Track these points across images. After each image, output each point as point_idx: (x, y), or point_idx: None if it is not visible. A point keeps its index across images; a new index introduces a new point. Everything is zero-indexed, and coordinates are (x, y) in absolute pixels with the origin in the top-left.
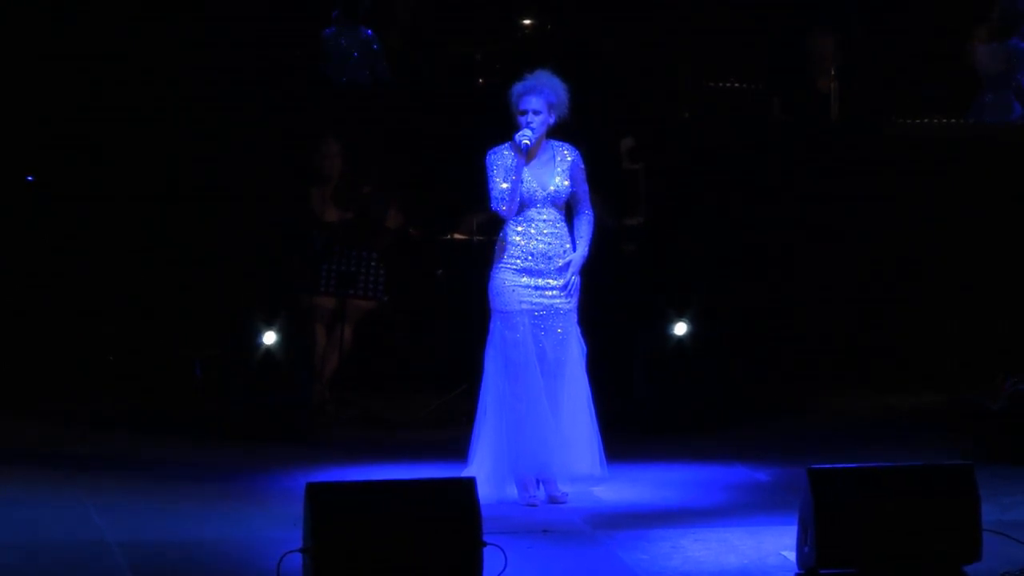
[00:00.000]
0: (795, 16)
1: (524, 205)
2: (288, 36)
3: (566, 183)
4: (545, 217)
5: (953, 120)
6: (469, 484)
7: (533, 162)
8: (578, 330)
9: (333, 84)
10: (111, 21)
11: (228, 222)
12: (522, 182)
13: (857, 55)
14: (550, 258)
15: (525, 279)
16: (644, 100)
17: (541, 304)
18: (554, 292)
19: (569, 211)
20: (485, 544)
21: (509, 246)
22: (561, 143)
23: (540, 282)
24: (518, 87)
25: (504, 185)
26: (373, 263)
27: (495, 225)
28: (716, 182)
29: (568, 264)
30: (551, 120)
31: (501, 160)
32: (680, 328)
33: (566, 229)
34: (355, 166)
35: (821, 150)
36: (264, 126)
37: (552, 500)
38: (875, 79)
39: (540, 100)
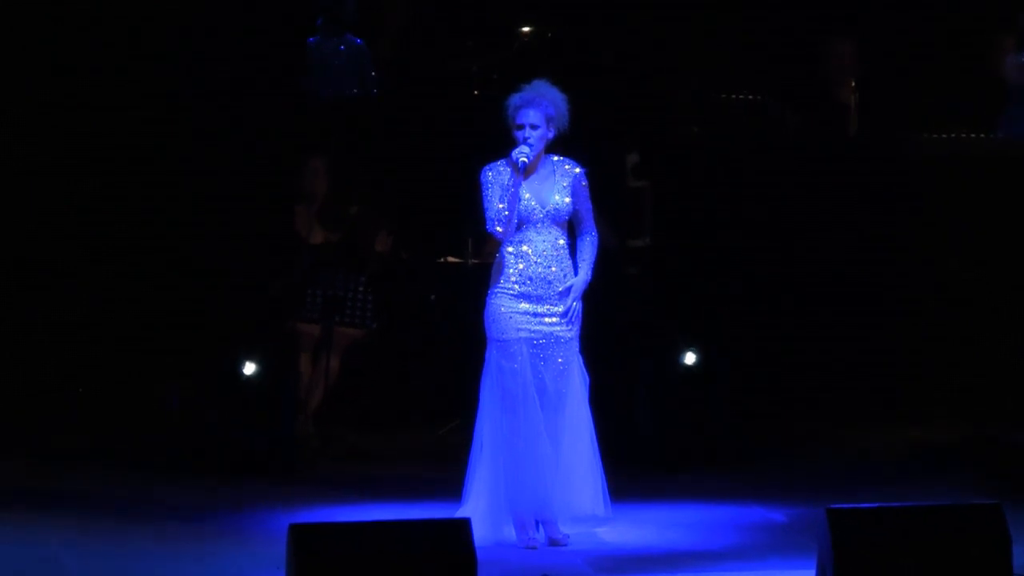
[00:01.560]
0: (810, 22)
1: (522, 225)
2: (269, 46)
3: (567, 201)
4: (544, 238)
5: (980, 135)
6: (464, 525)
7: (532, 178)
8: (580, 360)
9: (318, 97)
10: (81, 42)
11: (206, 245)
12: (520, 201)
13: (878, 64)
14: (550, 282)
15: (523, 305)
16: (650, 113)
17: (540, 332)
18: (554, 319)
19: (571, 231)
20: None
21: (506, 269)
22: (562, 159)
23: (539, 308)
24: (514, 99)
25: (500, 204)
26: (361, 288)
27: (491, 247)
28: (727, 201)
29: (569, 289)
30: (550, 134)
31: (497, 177)
32: (690, 357)
33: (567, 251)
34: (342, 184)
35: (839, 166)
36: (245, 142)
37: (552, 542)
38: (897, 90)
39: (538, 113)
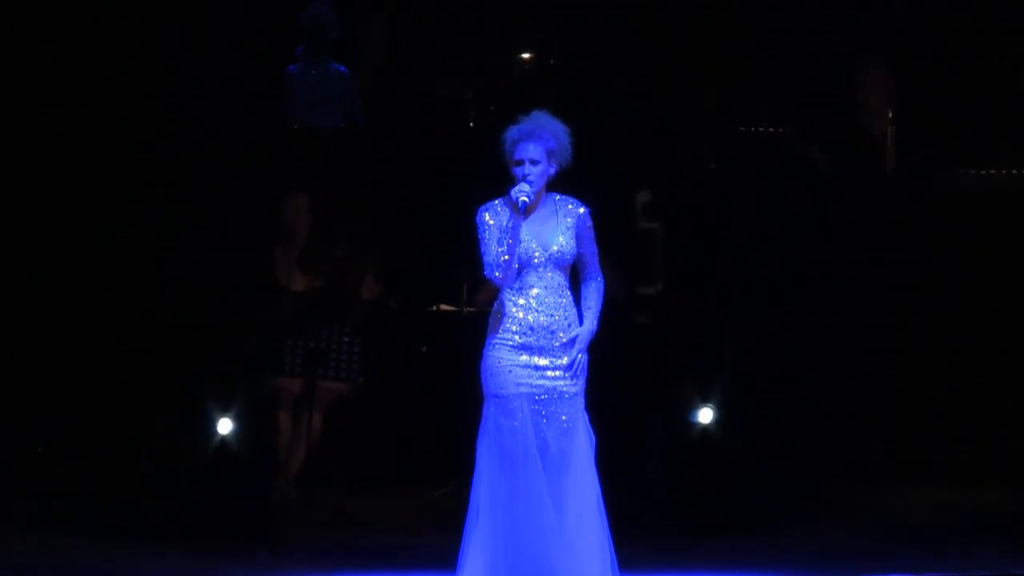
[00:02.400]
0: (840, 48)
1: (522, 270)
2: (244, 74)
3: (571, 243)
4: (547, 284)
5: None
6: None
7: (532, 219)
8: (586, 417)
9: (300, 129)
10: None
11: (176, 292)
12: (520, 243)
13: (914, 95)
14: (553, 332)
15: (524, 357)
16: (662, 147)
17: (542, 387)
18: (557, 373)
19: (575, 277)
20: None
21: (505, 319)
22: (565, 197)
23: (541, 361)
24: (513, 132)
25: (499, 248)
26: (346, 339)
27: (489, 294)
28: (747, 244)
29: (574, 340)
30: (552, 170)
31: (495, 217)
32: (705, 415)
33: (571, 298)
34: (325, 224)
35: (872, 204)
36: (217, 179)
37: None
38: (935, 123)
39: (538, 147)
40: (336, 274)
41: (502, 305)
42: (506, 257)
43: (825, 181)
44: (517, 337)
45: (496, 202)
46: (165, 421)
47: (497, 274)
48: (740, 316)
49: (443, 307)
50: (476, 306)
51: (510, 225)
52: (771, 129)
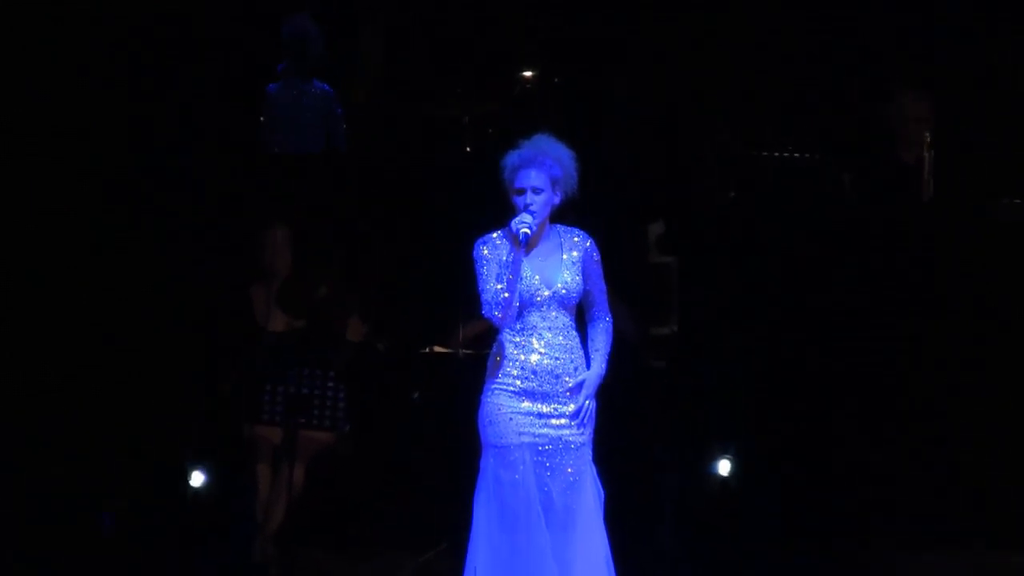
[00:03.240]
0: (872, 65)
1: (524, 308)
2: (220, 93)
3: (577, 280)
4: (551, 324)
5: None
6: None
7: (535, 253)
8: (594, 470)
9: (281, 154)
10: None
11: (144, 332)
12: (521, 280)
13: (953, 120)
14: (557, 377)
15: (526, 404)
16: (677, 174)
17: (546, 436)
18: (563, 421)
19: (581, 316)
20: None
21: (505, 362)
22: (570, 228)
23: (545, 408)
24: (513, 158)
25: (499, 285)
26: (330, 384)
27: (487, 335)
28: (770, 280)
29: (581, 385)
30: (556, 199)
31: (494, 252)
32: (724, 467)
33: (578, 340)
34: (308, 259)
35: (908, 239)
36: (190, 209)
37: None
38: (975, 150)
39: (541, 174)
40: (319, 314)
41: (501, 347)
42: (506, 295)
43: (856, 211)
44: (518, 382)
45: (495, 234)
46: (131, 472)
47: (497, 313)
48: (763, 359)
49: (436, 349)
50: (470, 346)
51: (510, 259)
52: (797, 155)
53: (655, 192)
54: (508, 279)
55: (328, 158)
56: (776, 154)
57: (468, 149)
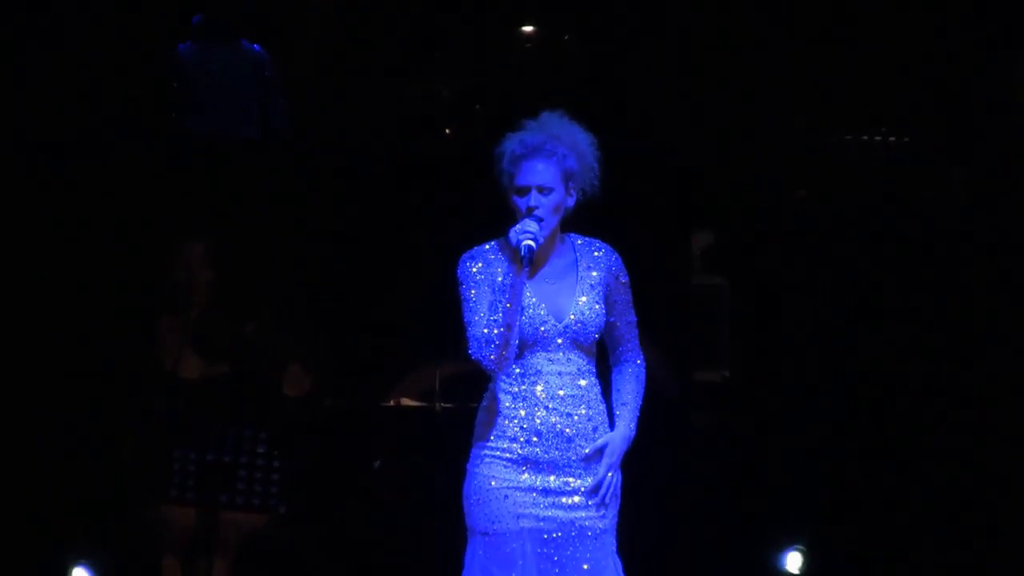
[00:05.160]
0: (981, 28)
1: (527, 348)
2: (116, 55)
3: (597, 309)
4: (562, 369)
5: None
6: None
7: (542, 273)
8: (619, 564)
9: (193, 139)
10: None
11: (11, 377)
12: (523, 309)
13: None
14: (570, 440)
15: (527, 477)
16: (728, 169)
17: (555, 520)
18: (577, 500)
19: (603, 358)
20: None
21: (500, 419)
22: (588, 240)
23: (553, 482)
24: (513, 146)
25: (492, 316)
26: (262, 450)
27: (475, 383)
28: (853, 304)
29: (602, 451)
30: (570, 201)
31: (486, 271)
32: (793, 561)
33: (598, 390)
34: (231, 286)
35: None
36: (76, 217)
37: None
38: None
39: (551, 168)
40: (246, 357)
41: (495, 400)
42: (502, 329)
43: (965, 209)
44: (517, 447)
45: (487, 247)
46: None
47: (489, 355)
48: (846, 416)
49: (405, 402)
50: (451, 398)
51: (508, 282)
52: (889, 138)
53: (700, 191)
54: (505, 308)
55: (262, 146)
56: (863, 138)
57: (447, 132)
